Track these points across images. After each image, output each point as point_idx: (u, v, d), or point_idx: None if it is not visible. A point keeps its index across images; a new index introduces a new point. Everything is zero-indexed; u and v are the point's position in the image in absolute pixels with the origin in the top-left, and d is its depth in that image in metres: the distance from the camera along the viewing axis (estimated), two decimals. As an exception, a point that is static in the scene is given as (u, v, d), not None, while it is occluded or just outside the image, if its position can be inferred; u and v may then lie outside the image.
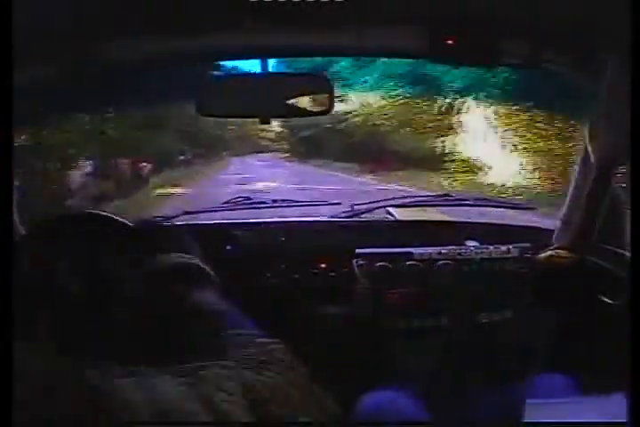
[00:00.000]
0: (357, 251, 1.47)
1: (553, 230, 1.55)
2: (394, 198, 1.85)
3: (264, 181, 7.52)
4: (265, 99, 1.21)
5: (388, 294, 1.43)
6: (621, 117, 1.24)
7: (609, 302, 1.29)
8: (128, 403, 0.53)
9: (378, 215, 1.75)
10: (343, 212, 1.73)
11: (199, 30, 1.11)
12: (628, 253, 1.27)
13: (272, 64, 1.23)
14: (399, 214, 1.81)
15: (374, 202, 1.79)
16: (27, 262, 0.64)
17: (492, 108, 7.21)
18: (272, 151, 11.17)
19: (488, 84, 6.96)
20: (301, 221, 1.73)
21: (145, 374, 0.56)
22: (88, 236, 0.68)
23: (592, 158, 1.36)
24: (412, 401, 1.14)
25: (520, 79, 6.08)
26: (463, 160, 7.46)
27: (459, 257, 1.45)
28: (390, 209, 1.79)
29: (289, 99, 1.22)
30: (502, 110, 7.17)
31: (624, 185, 1.34)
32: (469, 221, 1.81)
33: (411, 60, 1.27)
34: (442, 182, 7.22)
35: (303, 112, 1.29)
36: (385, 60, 7.72)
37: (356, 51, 1.33)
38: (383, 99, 8.09)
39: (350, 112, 8.56)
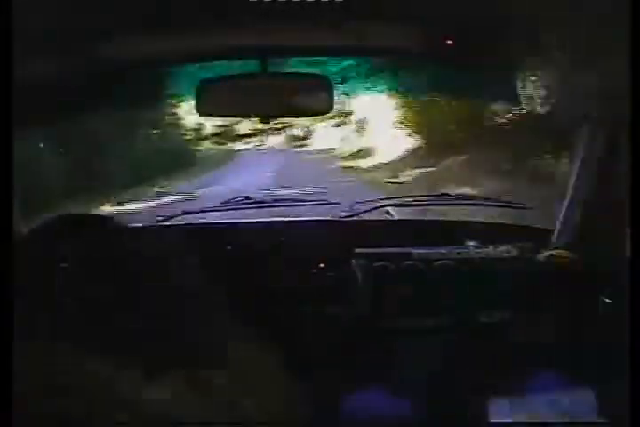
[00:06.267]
0: (357, 251, 1.47)
1: (553, 230, 1.55)
2: (394, 198, 1.85)
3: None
4: (265, 99, 1.21)
5: (388, 294, 1.43)
6: (622, 117, 1.25)
7: (609, 301, 1.29)
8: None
9: (377, 215, 1.76)
10: (343, 211, 1.73)
11: (199, 30, 1.11)
12: (628, 253, 1.26)
13: (272, 64, 1.23)
14: (399, 214, 1.81)
15: (374, 202, 1.79)
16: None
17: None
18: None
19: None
20: (301, 221, 1.73)
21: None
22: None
23: (591, 158, 1.36)
24: (411, 401, 1.14)
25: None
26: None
27: (458, 257, 1.45)
28: (390, 209, 1.79)
29: (289, 99, 1.22)
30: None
31: (624, 185, 1.34)
32: (469, 220, 1.81)
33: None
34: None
35: (303, 112, 1.29)
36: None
37: (356, 51, 1.33)
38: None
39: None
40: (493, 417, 1.10)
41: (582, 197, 1.42)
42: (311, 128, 16.08)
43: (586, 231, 1.44)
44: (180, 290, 0.67)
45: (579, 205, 1.43)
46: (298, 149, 15.47)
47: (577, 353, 1.37)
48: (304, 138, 16.27)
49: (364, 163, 11.75)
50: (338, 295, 1.48)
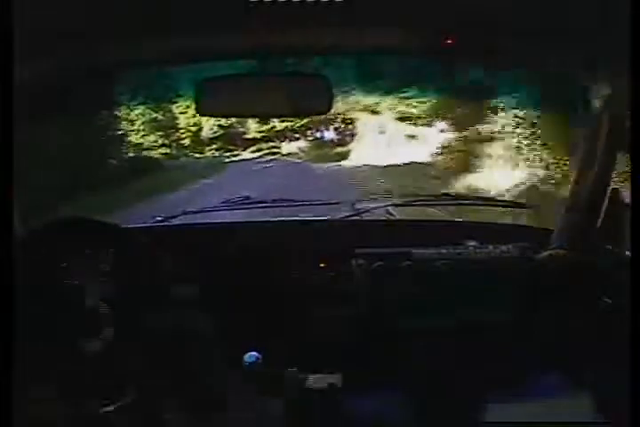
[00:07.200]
0: (357, 251, 1.47)
1: (553, 230, 1.55)
2: (394, 198, 1.85)
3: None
4: (265, 99, 1.21)
5: (388, 293, 1.43)
6: (622, 117, 1.25)
7: (609, 301, 1.29)
8: None
9: (378, 215, 1.75)
10: (343, 211, 1.73)
11: (199, 30, 1.11)
12: (627, 253, 1.27)
13: (272, 64, 1.23)
14: (399, 214, 1.81)
15: (374, 201, 1.79)
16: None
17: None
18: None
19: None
20: (301, 221, 1.73)
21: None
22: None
23: (592, 158, 1.36)
24: (412, 402, 1.14)
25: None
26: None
27: (458, 257, 1.45)
28: (390, 209, 1.79)
29: (289, 99, 1.22)
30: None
31: (624, 185, 1.34)
32: (469, 220, 1.81)
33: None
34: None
35: (303, 112, 1.30)
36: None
37: (356, 51, 1.33)
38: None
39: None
40: (494, 417, 1.10)
41: (582, 197, 1.42)
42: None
43: (585, 231, 1.44)
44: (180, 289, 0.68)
45: (579, 205, 1.43)
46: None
47: (577, 353, 1.37)
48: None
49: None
50: (338, 295, 1.48)
